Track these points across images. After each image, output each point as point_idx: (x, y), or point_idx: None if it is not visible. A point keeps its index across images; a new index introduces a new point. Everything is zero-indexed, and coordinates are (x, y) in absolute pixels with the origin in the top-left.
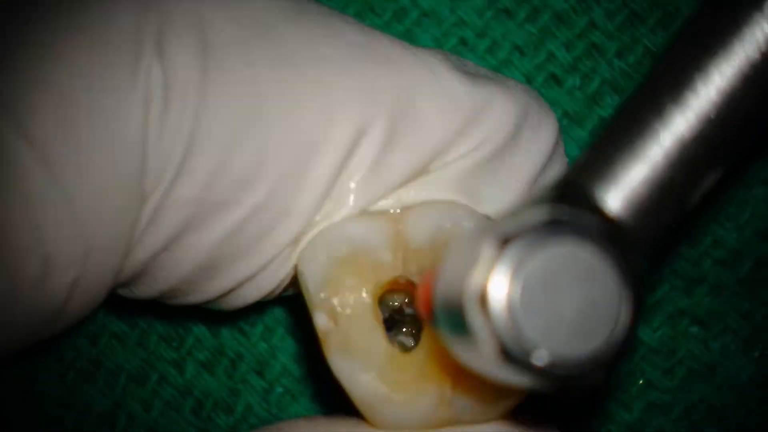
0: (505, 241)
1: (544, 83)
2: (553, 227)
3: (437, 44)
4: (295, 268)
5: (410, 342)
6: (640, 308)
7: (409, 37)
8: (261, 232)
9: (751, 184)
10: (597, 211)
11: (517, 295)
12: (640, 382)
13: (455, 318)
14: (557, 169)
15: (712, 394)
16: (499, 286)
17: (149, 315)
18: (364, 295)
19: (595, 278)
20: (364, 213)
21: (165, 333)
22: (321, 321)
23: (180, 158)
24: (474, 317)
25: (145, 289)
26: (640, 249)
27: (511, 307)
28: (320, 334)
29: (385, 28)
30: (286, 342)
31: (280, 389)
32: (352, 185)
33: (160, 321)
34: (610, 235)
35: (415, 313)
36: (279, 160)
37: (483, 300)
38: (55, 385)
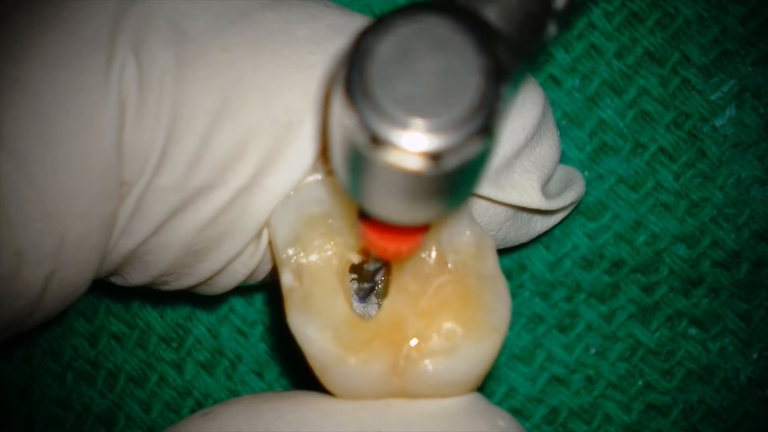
0: (356, 38)
1: (543, 84)
2: (402, 13)
3: None
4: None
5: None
6: (504, 79)
7: None
8: (246, 211)
9: (749, 186)
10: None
11: (372, 74)
12: (639, 383)
13: (344, 151)
14: (548, 142)
15: (710, 396)
16: (356, 74)
17: (149, 315)
18: (330, 255)
19: (448, 47)
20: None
21: (164, 334)
22: (287, 280)
23: (161, 148)
24: (344, 115)
25: (137, 276)
26: (502, 36)
27: (368, 86)
28: (284, 292)
29: None
30: (285, 343)
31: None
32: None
33: (159, 322)
34: (462, 11)
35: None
36: (261, 141)
37: (347, 92)
38: (54, 386)
